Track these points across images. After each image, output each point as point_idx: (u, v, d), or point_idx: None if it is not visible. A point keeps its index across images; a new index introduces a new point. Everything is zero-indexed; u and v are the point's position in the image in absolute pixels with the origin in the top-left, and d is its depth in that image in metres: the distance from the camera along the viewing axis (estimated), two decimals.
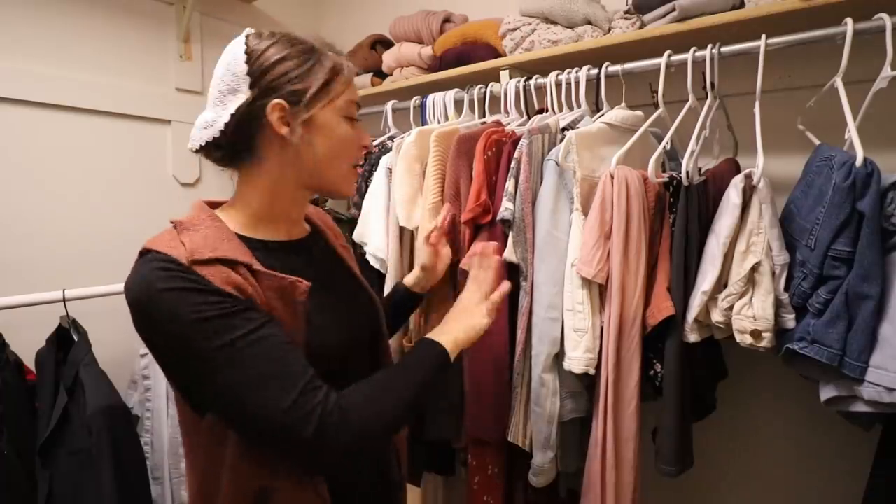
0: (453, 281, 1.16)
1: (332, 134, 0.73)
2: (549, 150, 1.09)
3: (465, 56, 1.46)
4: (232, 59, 0.69)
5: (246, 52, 0.69)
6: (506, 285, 0.88)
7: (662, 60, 1.07)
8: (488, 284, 0.87)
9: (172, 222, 0.68)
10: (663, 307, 0.96)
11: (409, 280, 1.05)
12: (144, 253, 0.64)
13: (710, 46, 1.02)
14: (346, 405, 0.63)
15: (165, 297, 0.59)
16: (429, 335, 0.77)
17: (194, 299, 0.60)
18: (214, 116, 0.69)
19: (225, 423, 0.65)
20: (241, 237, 0.70)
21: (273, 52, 0.69)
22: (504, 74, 1.36)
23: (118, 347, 1.49)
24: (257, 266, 0.66)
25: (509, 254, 1.05)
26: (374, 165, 1.41)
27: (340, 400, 0.63)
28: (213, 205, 0.75)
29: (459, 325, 0.80)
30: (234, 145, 0.71)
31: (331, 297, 0.77)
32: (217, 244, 0.65)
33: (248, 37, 0.71)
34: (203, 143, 0.71)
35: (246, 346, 0.60)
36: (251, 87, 0.68)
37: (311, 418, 0.60)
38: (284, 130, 0.69)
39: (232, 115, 0.68)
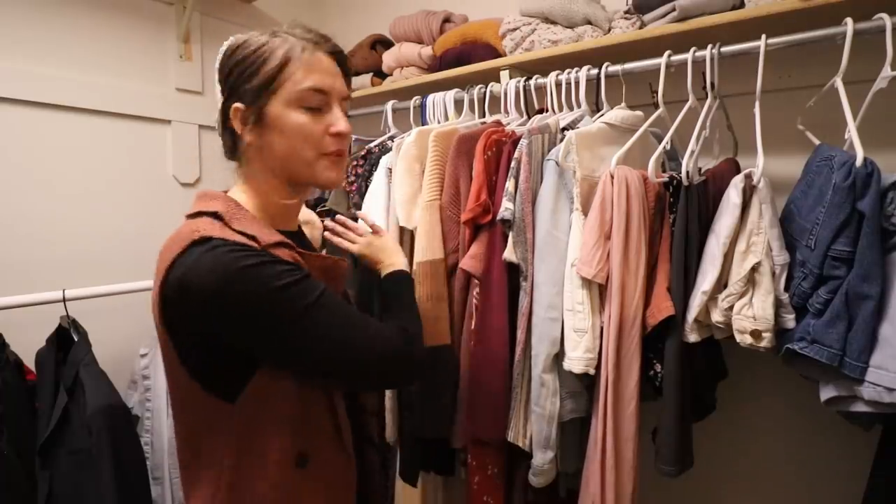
0: (450, 281, 1.16)
1: (285, 127, 0.72)
2: (549, 150, 1.09)
3: (465, 56, 1.46)
4: (216, 68, 0.76)
5: (220, 60, 0.74)
6: None
7: (662, 60, 1.07)
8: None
9: (204, 212, 0.70)
10: (663, 307, 0.96)
11: None
12: (204, 241, 0.64)
13: (710, 46, 1.02)
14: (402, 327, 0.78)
15: (249, 273, 0.63)
16: (387, 271, 0.94)
17: (274, 270, 0.65)
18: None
19: (317, 372, 0.72)
20: None
21: (236, 55, 0.73)
22: (504, 74, 1.36)
23: (118, 347, 1.49)
24: (300, 249, 0.72)
25: (509, 254, 1.05)
26: (374, 165, 1.41)
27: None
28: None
29: (399, 259, 0.97)
30: (224, 144, 0.77)
31: None
32: (267, 230, 0.71)
33: (228, 44, 0.75)
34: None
35: (328, 300, 0.69)
36: (222, 91, 0.74)
37: (398, 340, 0.74)
38: (244, 131, 0.73)
39: (216, 120, 0.75)
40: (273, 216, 0.77)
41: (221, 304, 0.63)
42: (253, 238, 0.67)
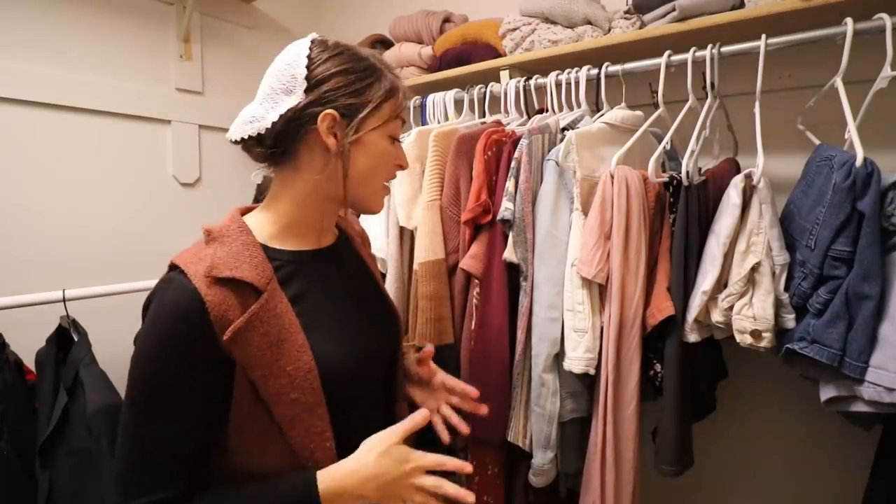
0: (450, 281, 1.16)
1: (374, 151, 0.72)
2: (549, 150, 1.09)
3: (465, 56, 1.46)
4: (293, 61, 0.69)
5: (308, 57, 0.69)
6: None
7: (662, 60, 1.07)
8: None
9: (205, 229, 0.69)
10: (663, 307, 0.96)
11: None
12: (171, 268, 0.65)
13: (710, 46, 1.02)
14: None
15: (149, 334, 0.62)
16: (319, 474, 0.63)
17: (164, 352, 0.61)
18: (263, 112, 0.69)
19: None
20: (267, 248, 0.70)
21: (335, 62, 0.69)
22: (504, 74, 1.36)
23: (118, 347, 1.48)
24: (261, 300, 0.65)
25: (509, 254, 1.05)
26: None
27: None
28: (246, 211, 0.75)
29: (358, 489, 0.64)
30: (277, 145, 0.70)
31: (355, 310, 0.77)
32: (239, 262, 0.65)
33: (312, 42, 0.71)
34: (245, 137, 0.71)
35: (153, 420, 0.62)
36: (306, 91, 0.68)
37: (122, 497, 0.61)
38: (331, 141, 0.69)
39: (281, 116, 0.68)
40: (304, 232, 0.74)
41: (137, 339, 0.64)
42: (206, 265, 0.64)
